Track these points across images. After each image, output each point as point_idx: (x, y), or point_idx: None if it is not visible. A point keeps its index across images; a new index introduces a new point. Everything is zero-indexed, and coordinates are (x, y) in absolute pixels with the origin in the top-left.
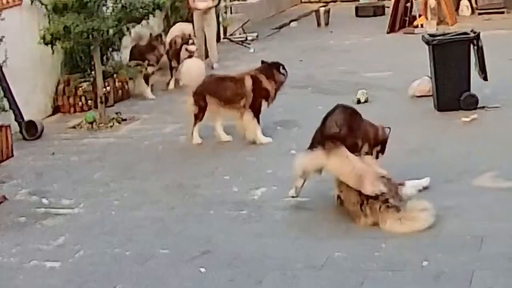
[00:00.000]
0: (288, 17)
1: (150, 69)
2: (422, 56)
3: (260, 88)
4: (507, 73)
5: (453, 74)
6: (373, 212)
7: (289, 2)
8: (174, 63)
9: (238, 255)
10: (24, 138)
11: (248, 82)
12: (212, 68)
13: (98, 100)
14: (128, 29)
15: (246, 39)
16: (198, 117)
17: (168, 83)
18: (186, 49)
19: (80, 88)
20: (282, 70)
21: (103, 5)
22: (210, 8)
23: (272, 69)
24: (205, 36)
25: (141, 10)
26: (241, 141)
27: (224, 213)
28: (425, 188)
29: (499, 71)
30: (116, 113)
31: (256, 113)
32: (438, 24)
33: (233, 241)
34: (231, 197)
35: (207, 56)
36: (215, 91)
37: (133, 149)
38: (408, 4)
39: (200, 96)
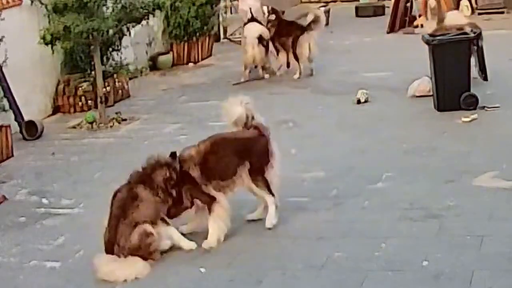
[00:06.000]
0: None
1: None
2: (422, 56)
3: None
4: (507, 73)
5: (453, 74)
6: None
7: (289, 2)
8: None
9: (238, 255)
10: (24, 138)
11: None
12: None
13: (98, 100)
14: (128, 29)
15: None
16: None
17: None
18: None
19: (80, 88)
20: None
21: (103, 5)
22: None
23: None
24: None
25: (141, 10)
26: None
27: None
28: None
29: (499, 71)
30: (116, 113)
31: None
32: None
33: (233, 241)
34: (231, 197)
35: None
36: None
37: (133, 149)
38: (408, 4)
39: None
